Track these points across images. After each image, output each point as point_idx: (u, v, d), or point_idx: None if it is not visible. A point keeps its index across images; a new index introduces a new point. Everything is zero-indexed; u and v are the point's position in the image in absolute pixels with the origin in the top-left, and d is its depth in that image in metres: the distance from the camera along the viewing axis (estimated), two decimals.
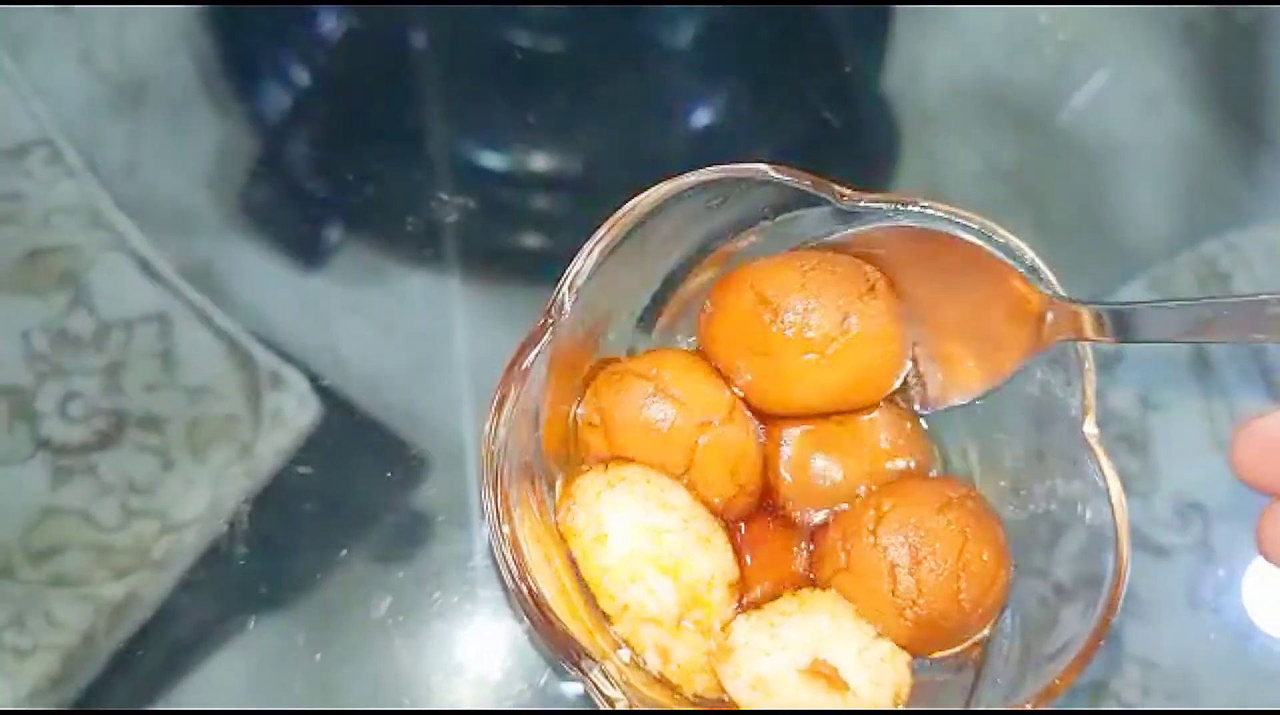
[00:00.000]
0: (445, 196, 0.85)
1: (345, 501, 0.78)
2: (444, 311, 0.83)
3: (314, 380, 0.79)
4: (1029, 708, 0.53)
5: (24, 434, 0.77)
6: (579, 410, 0.65)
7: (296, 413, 0.78)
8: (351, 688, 0.74)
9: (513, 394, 0.54)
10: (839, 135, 0.92)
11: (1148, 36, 0.96)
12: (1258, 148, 0.94)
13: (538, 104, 0.90)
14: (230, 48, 0.90)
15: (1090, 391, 0.57)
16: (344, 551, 0.76)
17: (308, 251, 0.85)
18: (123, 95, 0.87)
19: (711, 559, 0.61)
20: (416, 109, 0.89)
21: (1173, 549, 0.80)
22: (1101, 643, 0.54)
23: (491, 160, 0.88)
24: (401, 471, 0.79)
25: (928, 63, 0.95)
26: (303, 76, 0.91)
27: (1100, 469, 0.56)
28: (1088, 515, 0.57)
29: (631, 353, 0.68)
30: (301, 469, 0.78)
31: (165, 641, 0.74)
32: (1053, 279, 0.58)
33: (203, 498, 0.76)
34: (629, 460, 0.63)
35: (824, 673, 0.58)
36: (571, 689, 0.74)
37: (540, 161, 0.90)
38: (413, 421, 0.80)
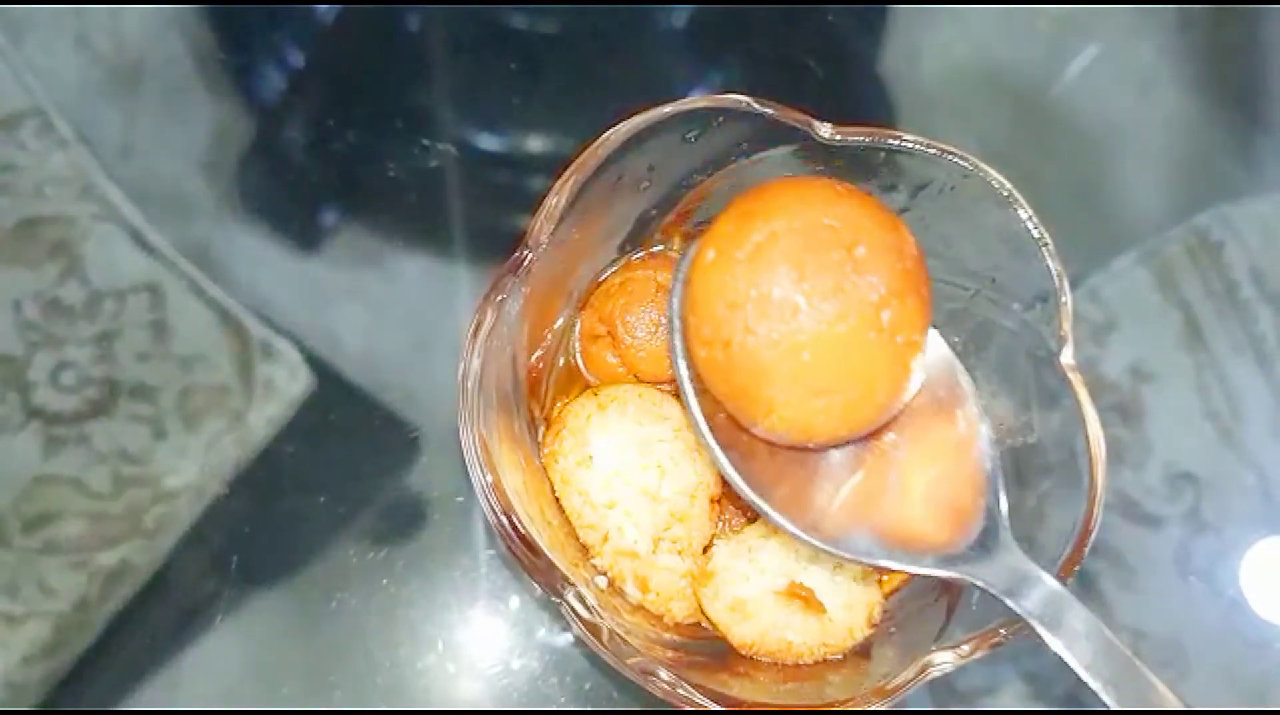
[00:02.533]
0: (442, 178, 0.85)
1: (338, 474, 0.78)
2: (441, 294, 0.83)
3: (306, 352, 0.79)
4: (1002, 633, 0.53)
5: (16, 403, 0.77)
6: (578, 333, 0.66)
7: (288, 383, 0.78)
8: (346, 663, 0.74)
9: (488, 321, 0.54)
10: (836, 117, 0.92)
11: (1141, 18, 0.97)
12: (1251, 130, 0.94)
13: (534, 86, 0.90)
14: (225, 32, 0.90)
15: (1066, 324, 0.57)
16: (336, 524, 0.76)
17: (304, 235, 0.85)
18: (118, 79, 0.87)
19: (698, 469, 0.61)
20: (412, 92, 0.89)
21: (1164, 518, 0.80)
22: (1077, 569, 0.54)
23: (488, 143, 0.88)
24: (396, 445, 0.79)
25: (925, 45, 0.95)
26: (298, 60, 0.91)
27: (1076, 398, 0.56)
28: (1065, 447, 0.57)
29: None
30: (293, 440, 0.78)
31: (159, 610, 0.74)
32: (1031, 215, 0.59)
33: (194, 466, 0.76)
34: (625, 377, 0.64)
35: (800, 595, 0.58)
36: (566, 676, 0.74)
37: (537, 143, 0.90)
38: (408, 399, 0.80)
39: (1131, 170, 0.91)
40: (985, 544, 0.56)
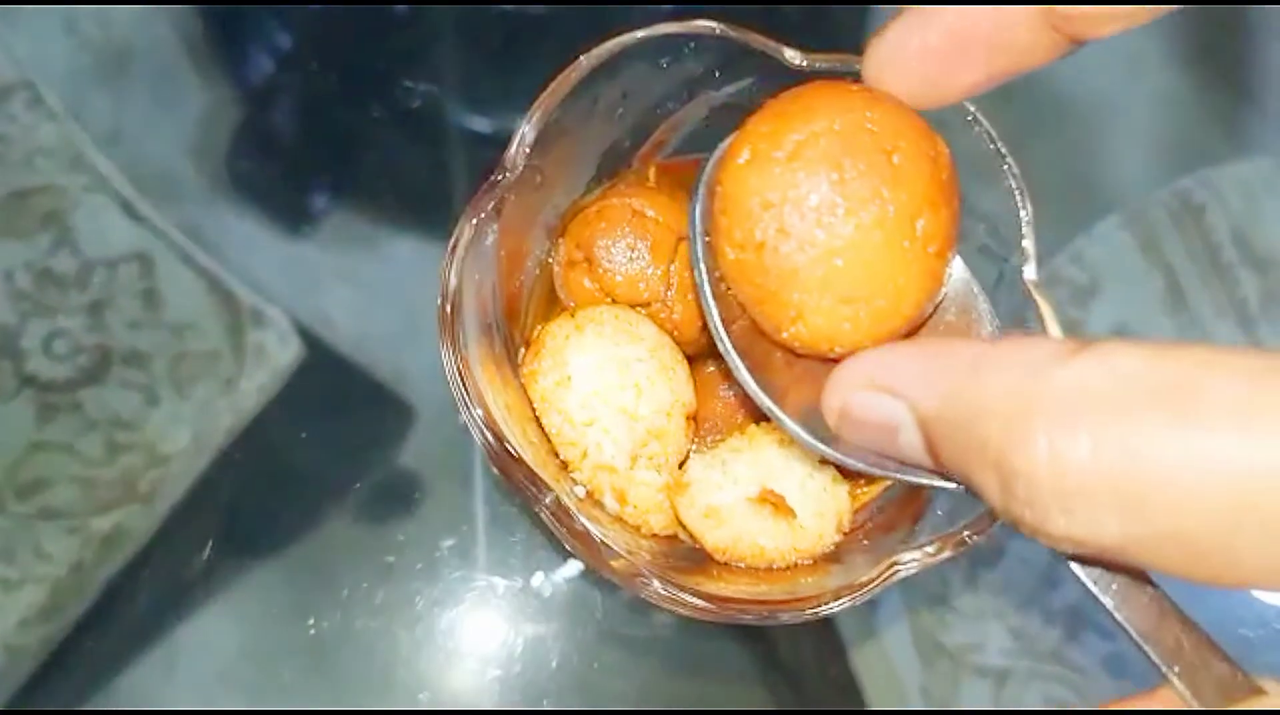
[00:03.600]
0: (432, 160, 0.86)
1: (329, 448, 0.79)
2: (432, 276, 0.83)
3: (299, 329, 0.80)
4: (967, 535, 0.53)
5: (9, 371, 0.78)
6: (556, 260, 0.66)
7: (279, 349, 0.79)
8: (341, 638, 0.75)
9: (466, 235, 0.54)
10: None
11: None
12: (1236, 103, 0.95)
13: (522, 66, 0.91)
14: (213, 16, 0.91)
15: (1030, 242, 0.57)
16: (329, 495, 0.77)
17: (295, 218, 0.85)
18: (107, 64, 0.88)
19: (673, 388, 0.62)
20: (401, 74, 0.89)
21: None
22: None
23: (479, 124, 0.89)
24: (387, 422, 0.80)
25: None
26: (286, 43, 0.92)
27: (1040, 314, 0.56)
28: None
29: None
30: (285, 412, 0.79)
31: (155, 575, 0.75)
32: (994, 135, 0.59)
33: (188, 432, 0.77)
34: (603, 302, 0.65)
35: (771, 500, 0.59)
36: (561, 643, 0.75)
37: None
38: (400, 377, 0.81)
39: (1116, 140, 0.91)
40: None
